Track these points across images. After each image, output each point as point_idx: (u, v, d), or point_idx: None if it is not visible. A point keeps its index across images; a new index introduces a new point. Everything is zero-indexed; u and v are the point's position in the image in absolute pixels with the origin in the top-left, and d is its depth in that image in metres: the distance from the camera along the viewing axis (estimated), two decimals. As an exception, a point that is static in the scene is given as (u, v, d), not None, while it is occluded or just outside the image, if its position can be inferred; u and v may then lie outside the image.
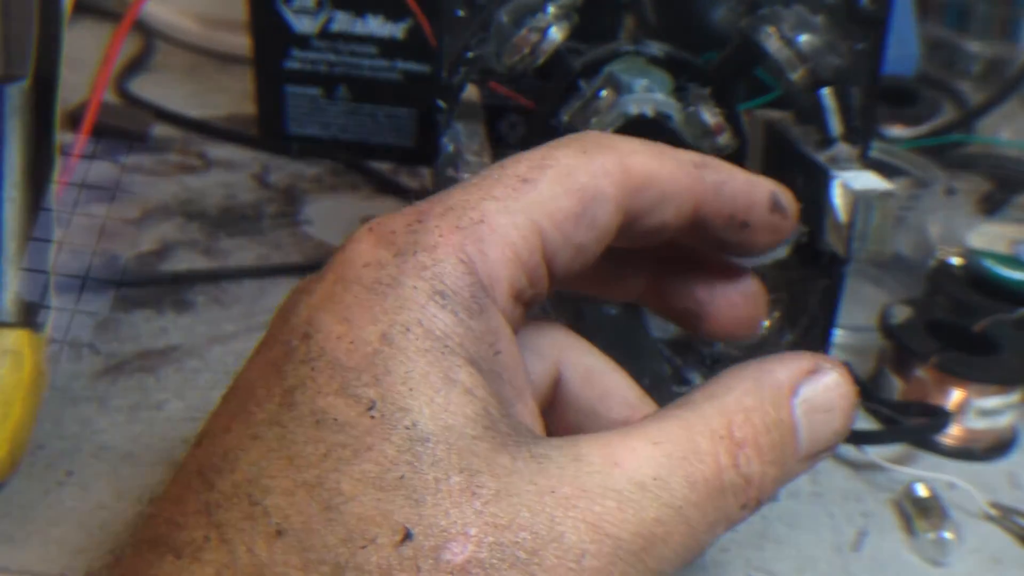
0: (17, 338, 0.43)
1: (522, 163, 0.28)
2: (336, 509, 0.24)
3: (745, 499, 0.27)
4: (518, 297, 0.28)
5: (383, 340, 0.25)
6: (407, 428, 0.24)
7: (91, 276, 0.50)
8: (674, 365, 0.48)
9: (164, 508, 0.25)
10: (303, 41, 0.67)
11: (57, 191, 0.48)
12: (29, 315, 0.44)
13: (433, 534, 0.23)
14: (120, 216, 0.55)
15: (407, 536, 0.23)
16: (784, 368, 0.29)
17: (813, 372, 0.29)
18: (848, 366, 0.30)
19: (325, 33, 0.67)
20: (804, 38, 0.42)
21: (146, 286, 0.57)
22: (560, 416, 0.33)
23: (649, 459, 0.26)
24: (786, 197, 0.33)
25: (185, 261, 0.59)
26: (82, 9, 0.72)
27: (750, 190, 0.32)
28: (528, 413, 0.28)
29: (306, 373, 0.25)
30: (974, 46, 0.82)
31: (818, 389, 0.29)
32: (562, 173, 0.28)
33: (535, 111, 0.42)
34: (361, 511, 0.24)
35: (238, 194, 0.66)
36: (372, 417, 0.24)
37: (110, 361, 0.51)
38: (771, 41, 0.42)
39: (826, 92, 0.39)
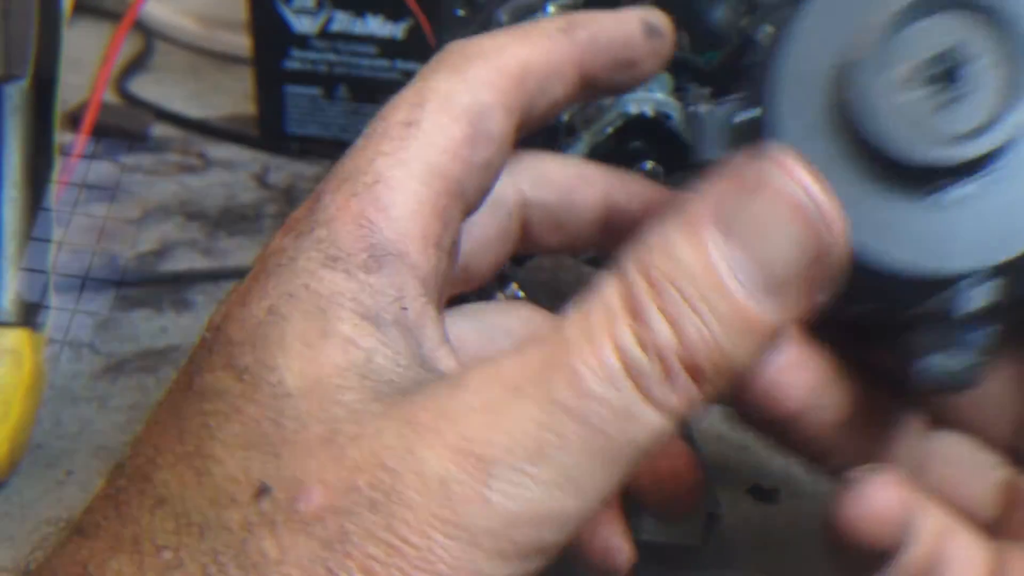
0: (17, 338, 0.43)
1: (401, 106, 0.28)
2: (207, 473, 0.24)
3: (668, 371, 0.23)
4: (438, 244, 0.28)
5: (269, 311, 0.25)
6: (272, 386, 0.24)
7: (91, 276, 0.50)
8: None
9: (91, 504, 0.26)
10: (303, 41, 0.67)
11: (57, 191, 0.48)
12: (29, 315, 0.44)
13: (289, 486, 0.23)
14: (120, 216, 0.55)
15: (263, 490, 0.23)
16: (701, 199, 0.24)
17: (744, 185, 0.24)
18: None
19: (325, 33, 0.67)
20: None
21: (146, 286, 0.57)
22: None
23: (528, 361, 0.23)
24: (657, 18, 0.32)
25: (185, 261, 0.59)
26: (82, 9, 0.72)
27: (621, 29, 0.31)
28: (444, 355, 0.27)
29: (204, 356, 0.26)
30: (974, 46, 0.83)
31: (749, 205, 0.24)
32: (442, 102, 0.28)
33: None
34: (226, 472, 0.24)
35: (238, 194, 0.66)
36: (243, 380, 0.25)
37: (110, 361, 0.51)
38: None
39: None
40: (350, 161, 0.28)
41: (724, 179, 0.24)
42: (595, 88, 0.32)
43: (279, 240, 0.27)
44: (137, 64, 0.79)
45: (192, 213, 0.63)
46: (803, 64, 0.26)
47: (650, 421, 0.23)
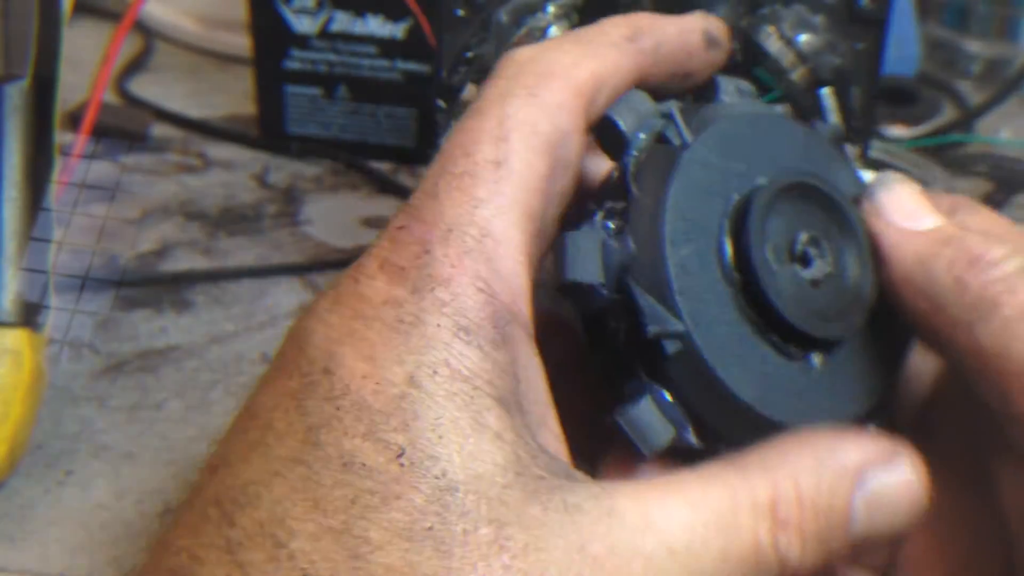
0: (17, 338, 0.43)
1: (485, 140, 0.28)
2: (363, 558, 0.23)
3: (783, 564, 0.26)
4: (533, 295, 0.28)
5: (410, 382, 0.25)
6: (436, 477, 0.24)
7: (91, 276, 0.50)
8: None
9: (181, 537, 0.25)
10: (303, 41, 0.67)
11: (57, 191, 0.48)
12: (29, 315, 0.44)
13: None
14: (120, 216, 0.55)
15: None
16: (853, 450, 0.27)
17: (885, 461, 0.27)
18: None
19: (325, 33, 0.67)
20: (804, 38, 0.42)
21: (146, 286, 0.57)
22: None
23: (684, 524, 0.25)
24: (717, 28, 0.32)
25: (185, 261, 0.59)
26: (82, 9, 0.72)
27: (684, 39, 0.32)
28: (552, 438, 0.27)
29: (331, 412, 0.25)
30: (974, 46, 0.82)
31: (887, 483, 0.27)
32: (527, 136, 0.28)
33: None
34: (388, 561, 0.23)
35: (238, 194, 0.66)
36: (401, 465, 0.24)
37: (110, 361, 0.51)
38: (771, 41, 0.42)
39: (826, 92, 0.39)
40: (449, 207, 0.27)
41: (872, 445, 0.28)
42: (651, 91, 0.31)
43: (386, 287, 0.26)
44: (137, 64, 0.79)
45: (192, 213, 0.63)
46: (686, 225, 0.29)
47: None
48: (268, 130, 0.70)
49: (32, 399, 0.43)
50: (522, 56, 0.29)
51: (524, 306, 0.27)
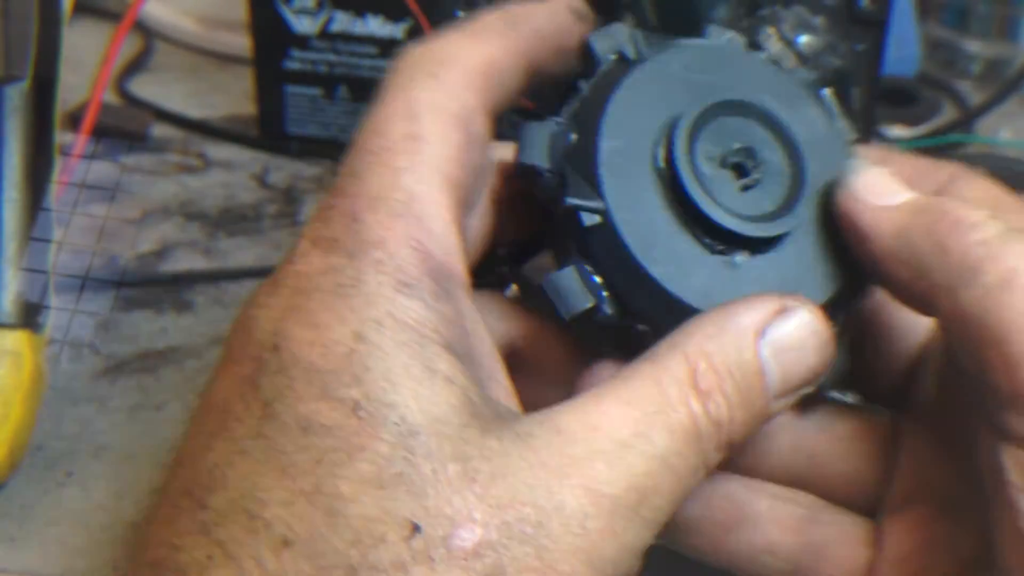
0: (17, 339, 0.43)
1: (392, 121, 0.29)
2: (339, 513, 0.24)
3: (717, 442, 0.28)
4: (465, 254, 0.29)
5: (357, 338, 0.25)
6: (396, 424, 0.24)
7: (91, 276, 0.50)
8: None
9: (158, 531, 0.25)
10: (303, 41, 0.67)
11: (57, 191, 0.48)
12: (29, 316, 0.44)
13: (440, 524, 0.24)
14: (120, 216, 0.55)
15: (416, 529, 0.24)
16: (749, 311, 0.29)
17: (781, 312, 0.29)
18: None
19: (325, 33, 0.67)
20: (804, 39, 0.42)
21: (146, 286, 0.57)
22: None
23: (626, 418, 0.26)
24: (579, 2, 0.34)
25: (185, 261, 0.59)
26: (82, 9, 0.72)
27: (556, 18, 0.33)
28: (502, 390, 0.29)
29: (283, 383, 0.25)
30: (974, 46, 0.82)
31: (787, 330, 0.29)
32: (436, 113, 0.29)
33: (535, 111, 0.42)
34: (364, 511, 0.24)
35: (238, 194, 0.66)
36: (360, 417, 0.24)
37: (110, 361, 0.51)
38: (771, 42, 0.42)
39: (826, 93, 0.39)
40: (371, 179, 0.28)
41: (761, 302, 0.29)
42: (540, 77, 0.33)
43: (321, 259, 0.27)
44: (137, 64, 0.79)
45: (192, 213, 0.63)
46: (626, 123, 0.31)
47: (700, 476, 0.28)
48: (268, 130, 0.70)
49: (32, 400, 0.43)
50: (416, 49, 0.30)
51: (458, 264, 0.28)
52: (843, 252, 0.32)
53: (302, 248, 0.27)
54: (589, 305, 0.30)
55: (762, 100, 0.32)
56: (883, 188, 0.31)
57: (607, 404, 0.27)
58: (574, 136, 0.31)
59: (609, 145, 0.30)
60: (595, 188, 0.30)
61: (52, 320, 0.46)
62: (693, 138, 0.31)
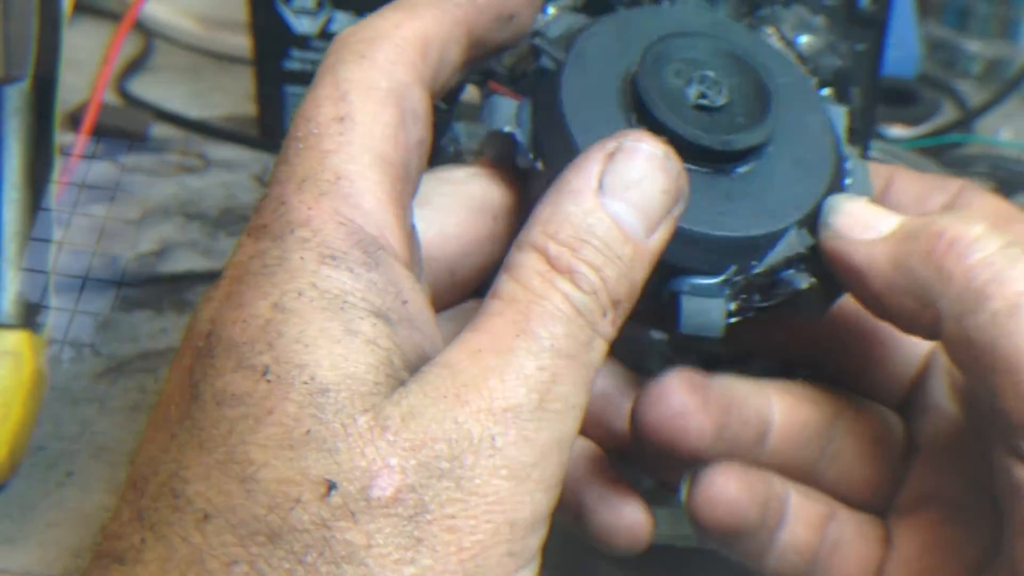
0: (17, 339, 0.43)
1: (324, 104, 0.28)
2: (252, 479, 0.24)
3: (600, 307, 0.27)
4: (406, 230, 0.28)
5: (274, 309, 0.25)
6: (305, 383, 0.24)
7: (91, 277, 0.50)
8: (674, 365, 0.48)
9: (107, 526, 0.26)
10: (303, 41, 0.67)
11: (57, 191, 0.48)
12: (29, 316, 0.44)
13: (356, 477, 0.24)
14: (120, 216, 0.55)
15: (331, 487, 0.24)
16: (577, 173, 0.28)
17: (611, 156, 0.28)
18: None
19: (325, 33, 0.67)
20: (804, 39, 0.42)
21: (146, 286, 0.57)
22: None
23: (502, 330, 0.26)
24: None
25: (185, 261, 0.59)
26: (82, 9, 0.72)
27: None
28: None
29: (207, 363, 0.25)
30: (974, 46, 0.82)
31: (622, 169, 0.28)
32: (364, 91, 0.28)
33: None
34: (277, 475, 0.24)
35: (238, 194, 0.66)
36: (268, 381, 0.24)
37: (110, 362, 0.51)
38: (771, 42, 0.42)
39: (826, 93, 0.39)
40: (299, 164, 0.27)
41: (593, 154, 0.28)
42: (484, 49, 0.33)
43: (252, 245, 0.27)
44: (137, 64, 0.79)
45: (192, 213, 0.63)
46: (593, 69, 0.32)
47: (599, 346, 0.27)
48: (268, 130, 0.70)
49: (32, 401, 0.43)
50: (346, 31, 0.30)
51: (393, 239, 0.27)
52: (810, 171, 0.32)
53: (240, 240, 0.27)
54: (507, 129, 0.32)
55: (729, 37, 0.33)
56: (867, 219, 0.30)
57: (482, 325, 0.26)
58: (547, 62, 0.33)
59: (580, 49, 0.32)
60: (562, 53, 0.32)
61: (52, 320, 0.46)
62: (660, 58, 0.32)
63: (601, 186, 0.28)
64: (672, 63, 0.32)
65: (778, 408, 0.33)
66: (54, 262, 0.47)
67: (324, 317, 0.25)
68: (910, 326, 0.30)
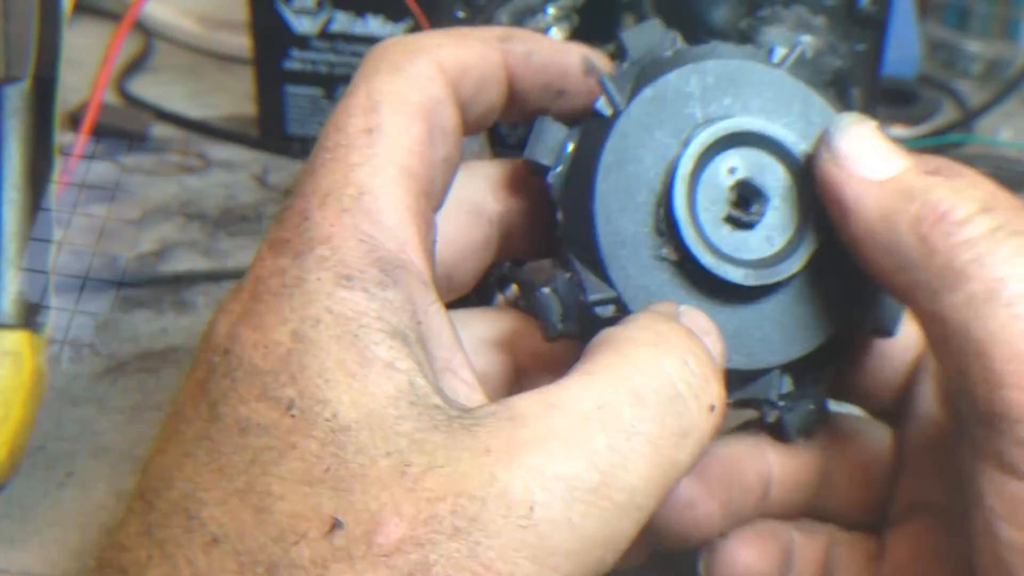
0: (17, 339, 0.43)
1: (355, 113, 0.28)
2: (267, 510, 0.23)
3: (710, 398, 0.26)
4: (427, 246, 0.28)
5: (294, 338, 0.25)
6: (327, 420, 0.24)
7: (91, 276, 0.50)
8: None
9: (113, 535, 0.26)
10: (303, 41, 0.67)
11: (57, 191, 0.47)
12: (29, 316, 0.44)
13: (363, 520, 0.23)
14: (120, 216, 0.55)
15: (336, 526, 0.23)
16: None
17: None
18: None
19: (325, 33, 0.67)
20: (804, 39, 0.42)
21: (146, 286, 0.57)
22: None
23: (587, 390, 0.25)
24: (599, 59, 0.33)
25: (185, 261, 0.59)
26: (82, 9, 0.72)
27: (561, 58, 0.32)
28: (462, 381, 0.27)
29: (227, 385, 0.25)
30: (974, 46, 0.83)
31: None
32: (397, 104, 0.28)
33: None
34: (291, 509, 0.23)
35: (238, 194, 0.66)
36: (292, 416, 0.24)
37: (110, 362, 0.51)
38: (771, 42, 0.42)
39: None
40: (324, 177, 0.27)
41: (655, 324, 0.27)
42: (524, 106, 0.32)
43: (272, 261, 0.27)
44: (137, 64, 0.79)
45: (192, 214, 0.63)
46: (636, 147, 0.31)
47: (691, 450, 0.25)
48: (268, 130, 0.70)
49: (32, 401, 0.43)
50: (388, 41, 0.30)
51: (414, 255, 0.27)
52: (841, 298, 0.31)
53: (261, 251, 0.27)
54: (543, 162, 0.31)
55: (764, 125, 0.31)
56: (872, 154, 0.29)
57: (570, 382, 0.25)
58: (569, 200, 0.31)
59: (633, 112, 0.30)
60: (603, 278, 0.30)
61: (52, 320, 0.46)
62: (702, 155, 0.30)
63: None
64: (715, 159, 0.30)
65: (775, 461, 0.33)
66: (54, 262, 0.47)
67: (340, 348, 0.25)
68: (881, 280, 0.29)
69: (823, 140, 0.29)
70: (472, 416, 0.25)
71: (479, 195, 0.33)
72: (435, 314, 0.27)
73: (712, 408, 0.26)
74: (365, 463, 0.23)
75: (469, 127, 0.31)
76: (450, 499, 0.23)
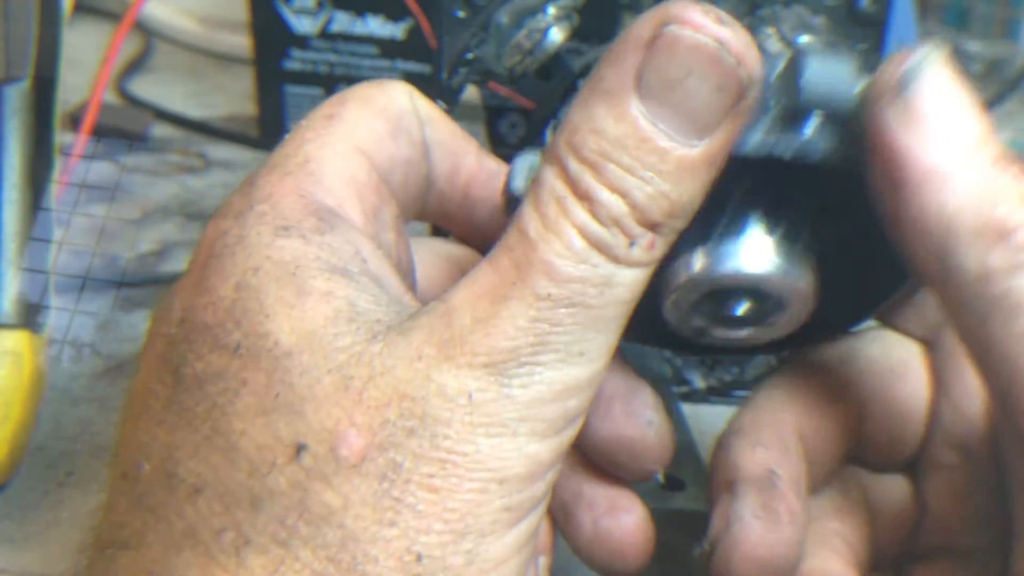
0: (17, 339, 0.43)
1: (323, 106, 0.30)
2: (234, 448, 0.24)
3: (629, 235, 0.25)
4: (376, 215, 0.29)
5: (237, 288, 0.26)
6: (269, 350, 0.25)
7: (91, 277, 0.50)
8: (674, 365, 0.48)
9: (104, 517, 0.26)
10: (303, 41, 0.67)
11: (57, 191, 0.47)
12: (29, 316, 0.44)
13: (323, 438, 0.24)
14: (120, 216, 0.55)
15: (300, 448, 0.24)
16: (611, 67, 0.24)
17: (649, 46, 0.24)
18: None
19: (325, 33, 0.67)
20: (804, 39, 0.42)
21: (147, 287, 0.57)
22: None
23: (505, 270, 0.25)
24: None
25: (185, 261, 0.59)
26: (82, 9, 0.72)
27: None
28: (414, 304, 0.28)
29: (185, 349, 0.26)
30: (974, 46, 0.82)
31: (661, 63, 0.24)
32: (362, 101, 0.30)
33: (535, 112, 0.42)
34: (255, 442, 0.24)
35: (238, 194, 0.66)
36: (240, 355, 0.25)
37: (110, 362, 0.51)
38: (771, 42, 0.42)
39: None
40: (277, 151, 0.29)
41: (631, 44, 0.24)
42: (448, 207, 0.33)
43: (216, 225, 0.27)
44: (137, 64, 0.79)
45: (192, 214, 0.63)
46: None
47: (626, 278, 0.25)
48: (268, 130, 0.70)
49: (32, 401, 0.43)
50: (370, 66, 0.33)
51: (354, 214, 0.28)
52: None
53: (208, 223, 0.28)
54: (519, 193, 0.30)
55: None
56: (959, 127, 0.25)
57: (491, 263, 0.25)
58: None
59: None
60: None
61: (52, 320, 0.46)
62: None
63: (639, 85, 0.24)
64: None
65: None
66: (54, 262, 0.47)
67: (279, 286, 0.25)
68: (919, 271, 0.26)
69: (896, 83, 0.25)
70: (411, 319, 0.25)
71: (452, 245, 0.34)
72: (382, 260, 0.28)
73: (635, 241, 0.25)
74: (311, 383, 0.24)
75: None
76: (395, 404, 0.24)
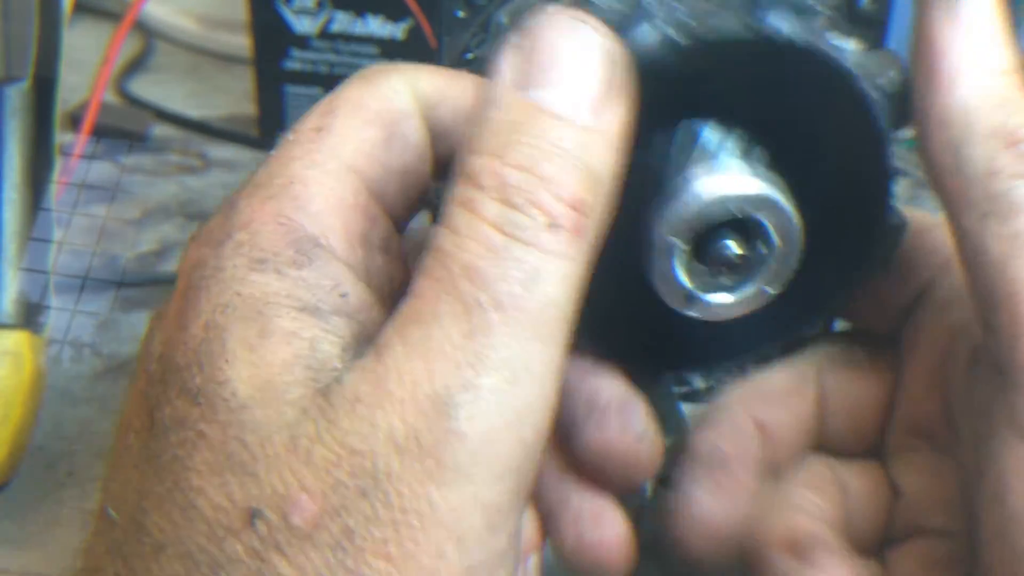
0: (17, 340, 0.43)
1: (311, 116, 0.28)
2: (192, 507, 0.23)
3: (548, 215, 0.24)
4: (364, 240, 0.27)
5: (206, 328, 0.24)
6: (226, 401, 0.24)
7: (91, 276, 0.50)
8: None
9: (85, 558, 0.26)
10: (303, 41, 0.67)
11: (57, 191, 0.48)
12: (29, 316, 0.44)
13: (276, 504, 0.23)
14: (120, 216, 0.55)
15: (255, 514, 0.23)
16: (492, 79, 0.25)
17: (519, 47, 0.25)
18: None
19: (325, 33, 0.67)
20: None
21: (146, 287, 0.57)
22: None
23: (428, 291, 0.24)
24: None
25: (185, 261, 0.59)
26: (82, 9, 0.72)
27: None
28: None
29: (160, 390, 0.25)
30: (974, 46, 0.82)
31: (534, 55, 0.25)
32: (352, 108, 0.28)
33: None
34: (211, 502, 0.23)
35: (238, 194, 0.66)
36: (199, 404, 0.24)
37: (110, 362, 0.51)
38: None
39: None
40: (262, 169, 0.27)
41: (504, 50, 0.25)
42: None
43: (196, 251, 0.26)
44: (137, 64, 0.79)
45: (192, 214, 0.63)
46: None
47: (553, 272, 0.24)
48: (268, 130, 0.70)
49: (32, 401, 0.43)
50: (369, 65, 0.30)
51: (337, 243, 0.26)
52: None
53: (187, 246, 0.27)
54: None
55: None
56: (989, 37, 0.27)
57: (413, 289, 0.24)
58: None
59: None
60: None
61: (52, 320, 0.46)
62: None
63: (517, 79, 0.24)
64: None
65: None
66: (54, 262, 0.47)
67: (244, 326, 0.24)
68: (930, 171, 0.28)
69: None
70: (348, 365, 0.24)
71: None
72: (363, 292, 0.26)
73: (555, 223, 0.24)
74: (263, 441, 0.23)
75: (444, 160, 0.30)
76: (344, 462, 0.23)
